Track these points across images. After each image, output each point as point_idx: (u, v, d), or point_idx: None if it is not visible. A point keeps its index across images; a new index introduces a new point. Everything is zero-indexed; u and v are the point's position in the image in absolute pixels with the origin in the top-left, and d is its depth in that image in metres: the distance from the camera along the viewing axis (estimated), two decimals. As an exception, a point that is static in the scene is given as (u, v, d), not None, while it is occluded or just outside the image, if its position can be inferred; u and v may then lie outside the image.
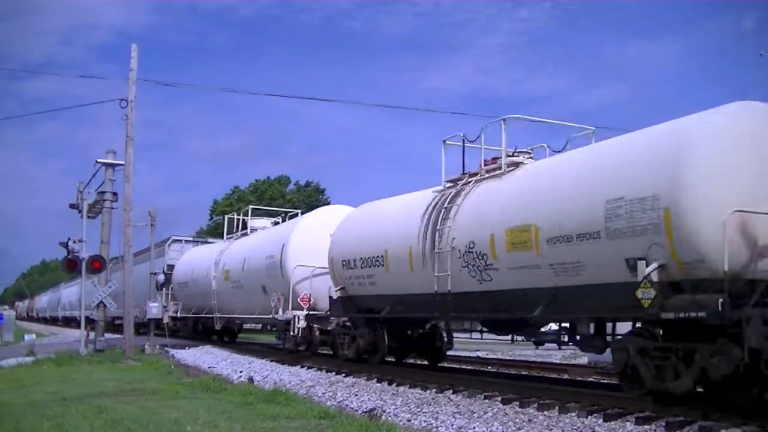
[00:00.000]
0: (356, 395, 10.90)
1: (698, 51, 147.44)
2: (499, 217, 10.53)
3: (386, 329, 14.34)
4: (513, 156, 11.58)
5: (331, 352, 16.68)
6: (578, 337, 9.97)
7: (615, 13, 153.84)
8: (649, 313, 7.94)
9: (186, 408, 9.35)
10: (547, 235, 9.37)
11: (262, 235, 21.77)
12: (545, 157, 11.57)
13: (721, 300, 7.18)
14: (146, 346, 20.98)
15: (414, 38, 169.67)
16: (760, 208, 7.58)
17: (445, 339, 14.78)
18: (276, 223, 22.77)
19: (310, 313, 16.97)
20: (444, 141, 12.65)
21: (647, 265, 7.91)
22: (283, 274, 17.89)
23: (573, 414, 8.51)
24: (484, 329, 12.89)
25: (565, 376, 14.00)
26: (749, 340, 7.07)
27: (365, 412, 9.24)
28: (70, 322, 47.66)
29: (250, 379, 13.34)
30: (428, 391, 10.89)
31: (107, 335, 21.98)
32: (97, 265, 20.37)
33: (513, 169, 11.27)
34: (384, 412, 9.11)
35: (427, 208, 12.47)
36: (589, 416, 8.32)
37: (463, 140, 12.41)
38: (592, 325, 9.64)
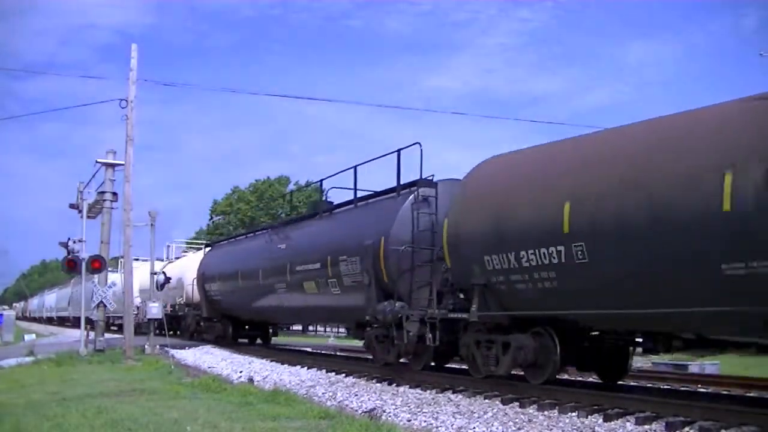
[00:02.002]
0: (356, 395, 10.90)
1: (698, 51, 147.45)
2: None
3: None
4: None
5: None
6: None
7: (615, 13, 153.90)
8: None
9: (186, 408, 9.35)
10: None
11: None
12: None
13: None
14: (146, 346, 20.99)
15: (414, 38, 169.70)
16: None
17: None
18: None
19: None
20: None
21: None
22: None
23: (573, 414, 8.51)
24: None
25: (565, 376, 13.99)
26: None
27: (365, 412, 9.25)
28: (52, 320, 60.72)
29: (250, 379, 13.34)
30: (428, 391, 10.89)
31: (107, 335, 22.01)
32: (97, 265, 20.38)
33: None
34: (384, 412, 9.11)
35: None
36: (589, 416, 8.32)
37: None
38: None
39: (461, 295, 11.43)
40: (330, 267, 14.94)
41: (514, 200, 10.08)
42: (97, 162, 21.37)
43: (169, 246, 37.09)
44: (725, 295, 7.21)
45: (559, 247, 8.94)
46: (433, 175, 13.16)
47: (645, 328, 9.38)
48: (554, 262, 9.06)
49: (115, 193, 21.15)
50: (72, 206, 21.77)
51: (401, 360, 13.31)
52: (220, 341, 23.39)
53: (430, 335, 11.65)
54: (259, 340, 24.75)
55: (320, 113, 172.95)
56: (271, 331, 25.18)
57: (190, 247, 38.23)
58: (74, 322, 42.54)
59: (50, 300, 63.67)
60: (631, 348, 10.83)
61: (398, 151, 13.52)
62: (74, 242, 20.52)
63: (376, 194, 15.25)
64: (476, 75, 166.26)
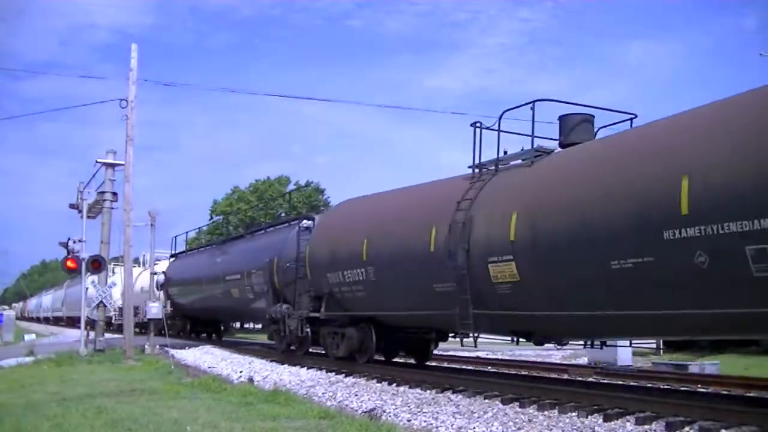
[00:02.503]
0: (356, 395, 10.90)
1: (698, 51, 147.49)
2: None
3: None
4: None
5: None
6: None
7: (615, 13, 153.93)
8: None
9: (186, 408, 9.35)
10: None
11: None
12: None
13: None
14: (146, 346, 20.99)
15: (414, 38, 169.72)
16: None
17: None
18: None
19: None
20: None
21: None
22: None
23: (573, 414, 8.51)
24: None
25: (565, 376, 14.00)
26: None
27: (365, 412, 9.25)
28: (49, 320, 62.64)
29: (250, 379, 13.34)
30: (428, 391, 10.89)
31: (107, 335, 22.01)
32: (96, 265, 20.40)
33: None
34: (384, 412, 9.11)
35: None
36: (589, 416, 8.32)
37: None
38: None
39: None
40: (246, 278, 20.17)
41: (340, 236, 14.65)
42: (97, 162, 21.38)
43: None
44: (438, 303, 11.43)
45: (361, 269, 13.43)
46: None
47: (417, 325, 13.94)
48: (360, 279, 13.50)
49: (115, 193, 21.16)
50: (72, 206, 21.78)
51: (291, 347, 17.39)
52: (183, 335, 28.03)
53: (302, 329, 16.03)
54: (214, 336, 29.54)
55: (320, 113, 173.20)
56: (222, 328, 30.41)
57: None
58: (68, 322, 47.67)
59: (47, 301, 66.85)
60: (432, 339, 15.08)
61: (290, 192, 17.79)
62: (74, 242, 20.53)
63: (280, 223, 21.34)
64: (476, 75, 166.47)
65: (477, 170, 11.68)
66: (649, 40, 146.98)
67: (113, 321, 29.64)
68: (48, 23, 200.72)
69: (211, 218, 59.07)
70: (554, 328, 10.72)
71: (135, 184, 19.04)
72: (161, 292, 28.02)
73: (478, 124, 11.48)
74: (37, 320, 70.73)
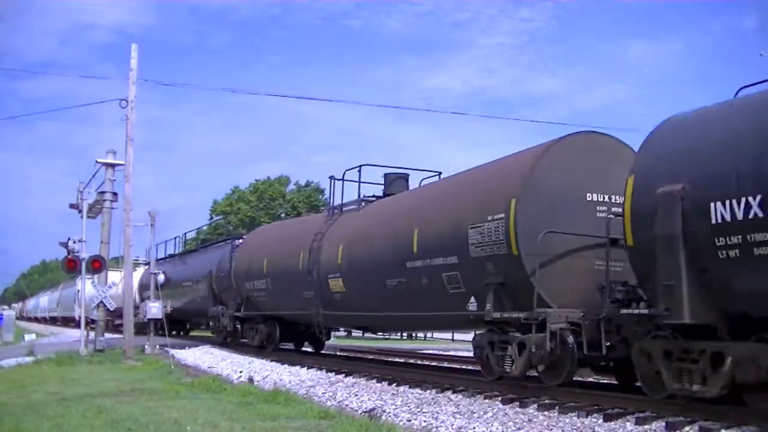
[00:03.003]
0: (356, 395, 10.90)
1: (698, 51, 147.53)
2: None
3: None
4: None
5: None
6: None
7: (615, 13, 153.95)
8: None
9: (186, 408, 9.35)
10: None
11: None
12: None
13: None
14: (146, 346, 20.98)
15: (414, 38, 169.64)
16: None
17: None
18: None
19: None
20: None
21: None
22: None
23: (573, 414, 8.51)
24: None
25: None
26: None
27: (365, 412, 9.25)
28: (46, 320, 64.56)
29: (250, 379, 13.34)
30: (428, 391, 10.90)
31: (107, 335, 22.01)
32: (97, 265, 20.39)
33: None
34: (384, 412, 9.11)
35: None
36: (589, 416, 8.32)
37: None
38: None
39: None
40: (195, 284, 25.86)
41: (252, 254, 19.78)
42: (97, 162, 21.36)
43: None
44: (306, 305, 16.23)
45: (263, 280, 18.47)
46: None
47: (300, 321, 18.19)
48: (263, 287, 18.59)
49: (115, 193, 21.14)
50: (72, 206, 21.76)
51: (227, 339, 21.98)
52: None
53: (233, 325, 20.88)
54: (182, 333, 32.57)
55: (320, 113, 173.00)
56: (188, 326, 33.69)
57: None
58: (63, 322, 51.03)
59: (44, 302, 69.58)
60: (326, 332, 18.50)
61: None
62: (74, 242, 20.51)
63: (222, 240, 27.85)
64: (476, 75, 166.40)
65: (331, 211, 16.65)
66: (649, 39, 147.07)
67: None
68: (48, 23, 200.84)
69: (211, 218, 59.13)
70: (372, 324, 16.35)
71: (135, 184, 19.06)
72: (139, 294, 30.36)
73: (334, 177, 16.48)
74: (35, 320, 71.93)
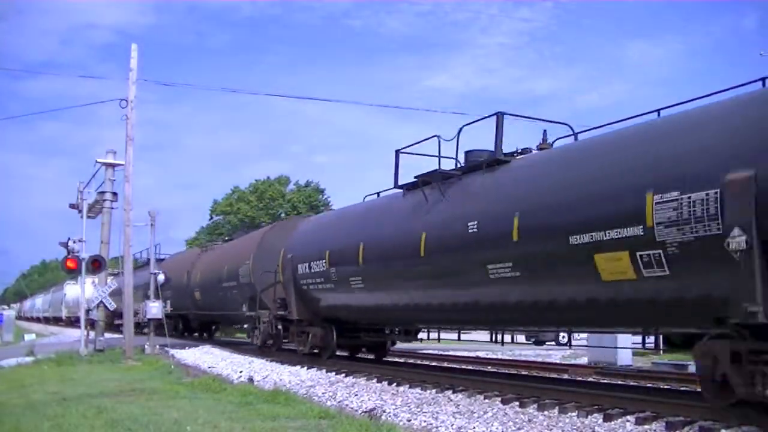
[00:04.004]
0: (356, 395, 10.90)
1: (698, 51, 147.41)
2: None
3: None
4: None
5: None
6: None
7: (615, 13, 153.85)
8: None
9: (186, 408, 9.35)
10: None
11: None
12: None
13: None
14: (146, 346, 20.97)
15: (414, 38, 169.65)
16: None
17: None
18: None
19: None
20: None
21: None
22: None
23: (573, 414, 8.51)
24: None
25: (565, 376, 14.00)
26: None
27: (365, 412, 9.24)
28: (41, 320, 69.71)
29: (250, 379, 13.33)
30: (428, 391, 10.89)
31: (107, 335, 22.00)
32: (96, 265, 20.38)
33: None
34: (384, 412, 9.10)
35: None
36: (589, 416, 8.32)
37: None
38: None
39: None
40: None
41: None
42: (97, 162, 21.34)
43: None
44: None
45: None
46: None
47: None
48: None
49: (115, 193, 21.13)
50: (72, 206, 21.75)
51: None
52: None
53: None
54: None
55: (320, 113, 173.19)
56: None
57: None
58: (54, 321, 57.83)
59: (38, 303, 76.67)
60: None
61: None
62: (74, 242, 20.51)
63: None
64: (476, 75, 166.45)
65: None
66: (648, 39, 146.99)
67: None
68: (48, 23, 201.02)
69: (211, 218, 59.12)
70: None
71: (135, 184, 19.06)
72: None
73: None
74: (31, 320, 76.27)
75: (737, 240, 6.61)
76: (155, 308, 21.54)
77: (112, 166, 21.04)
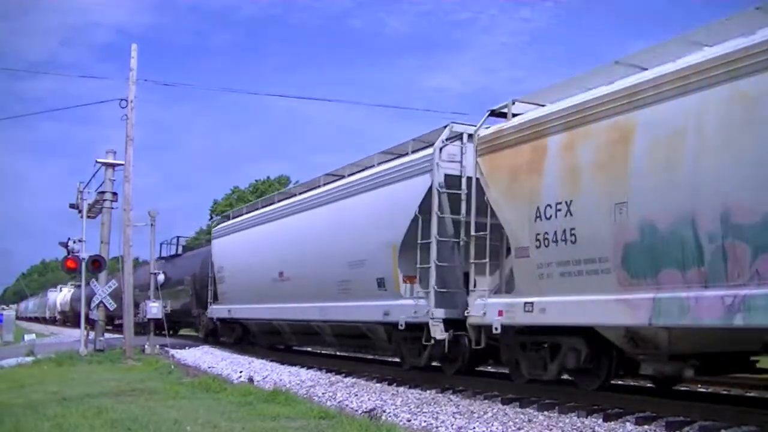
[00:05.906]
0: (356, 395, 10.90)
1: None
2: None
3: None
4: None
5: None
6: None
7: (615, 13, 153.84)
8: None
9: (186, 408, 9.35)
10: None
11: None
12: None
13: None
14: (146, 346, 20.98)
15: (415, 38, 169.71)
16: None
17: None
18: None
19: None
20: None
21: None
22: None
23: (573, 414, 8.51)
24: None
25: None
26: None
27: (365, 412, 9.23)
28: (32, 319, 76.64)
29: (250, 379, 13.33)
30: (428, 391, 10.89)
31: (107, 335, 22.02)
32: (96, 265, 20.38)
33: None
34: (384, 412, 9.10)
35: None
36: (589, 416, 8.32)
37: None
38: None
39: None
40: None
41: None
42: (97, 162, 21.35)
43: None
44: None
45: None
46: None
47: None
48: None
49: (115, 193, 21.14)
50: (72, 206, 21.74)
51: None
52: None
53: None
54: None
55: (320, 113, 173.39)
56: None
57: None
58: (46, 321, 65.45)
59: (31, 305, 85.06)
60: None
61: None
62: (74, 242, 20.51)
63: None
64: (477, 74, 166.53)
65: None
66: (648, 40, 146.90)
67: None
68: (48, 22, 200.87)
69: (211, 218, 59.08)
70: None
71: (135, 184, 19.09)
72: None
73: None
74: (26, 319, 79.83)
75: None
76: (155, 308, 21.56)
77: (112, 166, 21.05)
